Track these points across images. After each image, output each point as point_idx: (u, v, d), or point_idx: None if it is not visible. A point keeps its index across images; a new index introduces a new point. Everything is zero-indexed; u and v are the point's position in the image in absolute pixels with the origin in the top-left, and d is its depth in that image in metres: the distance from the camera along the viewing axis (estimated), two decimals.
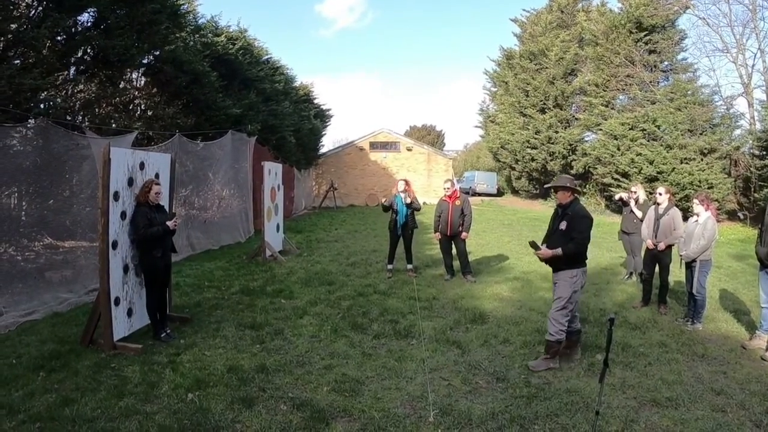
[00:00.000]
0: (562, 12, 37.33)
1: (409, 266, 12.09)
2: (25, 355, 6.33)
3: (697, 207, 8.31)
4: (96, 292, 7.03)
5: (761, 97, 26.74)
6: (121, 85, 14.47)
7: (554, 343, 6.32)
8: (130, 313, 6.98)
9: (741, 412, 5.31)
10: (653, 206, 9.48)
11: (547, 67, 35.76)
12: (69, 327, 7.42)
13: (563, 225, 6.35)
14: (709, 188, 24.09)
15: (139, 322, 7.20)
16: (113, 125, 13.67)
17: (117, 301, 6.65)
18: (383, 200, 11.99)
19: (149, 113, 16.03)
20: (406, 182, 12.21)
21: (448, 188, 11.58)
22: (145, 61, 14.53)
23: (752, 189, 23.79)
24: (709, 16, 29.28)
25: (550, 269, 6.76)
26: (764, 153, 22.72)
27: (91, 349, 6.57)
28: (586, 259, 6.47)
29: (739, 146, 25.51)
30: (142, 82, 16.01)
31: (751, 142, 25.08)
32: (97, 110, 13.60)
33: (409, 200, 11.73)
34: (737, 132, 26.96)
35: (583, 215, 6.34)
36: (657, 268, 9.32)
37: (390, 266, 11.97)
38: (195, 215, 15.18)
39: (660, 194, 9.29)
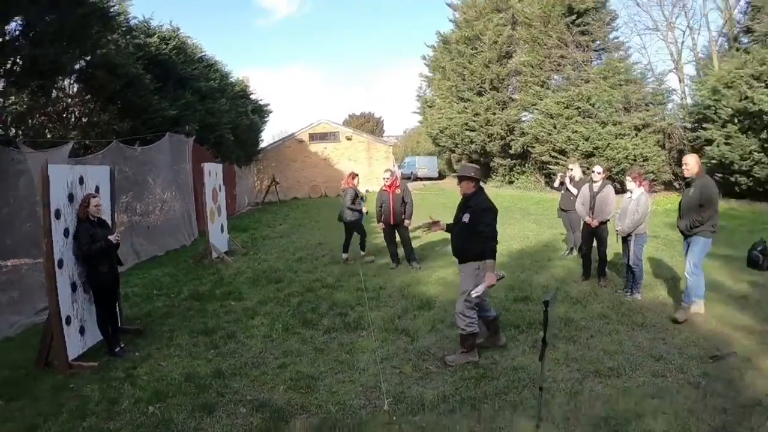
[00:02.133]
0: None
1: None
2: None
3: (629, 184, 8.70)
4: (45, 311, 6.98)
5: (691, 73, 27.80)
6: (53, 95, 14.24)
7: (468, 336, 6.29)
8: (82, 331, 6.96)
9: (680, 376, 5.64)
10: (588, 184, 9.88)
11: (482, 51, 36.17)
12: (22, 351, 7.31)
13: (466, 217, 6.25)
14: (644, 161, 25.06)
15: (92, 339, 7.18)
16: (48, 136, 13.47)
17: (68, 320, 6.62)
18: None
19: (84, 120, 15.79)
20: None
21: (387, 178, 11.79)
22: (77, 67, 14.30)
23: None
24: None
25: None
26: (696, 125, 23.68)
27: (47, 371, 6.52)
28: (495, 251, 6.27)
29: (672, 122, 26.53)
30: (75, 89, 15.74)
31: (682, 116, 26.04)
32: (30, 122, 13.40)
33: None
34: (670, 106, 28.11)
35: (486, 207, 6.23)
36: (595, 243, 9.73)
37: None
38: (138, 221, 15.00)
39: (597, 173, 9.74)
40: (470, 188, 6.36)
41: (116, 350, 7.06)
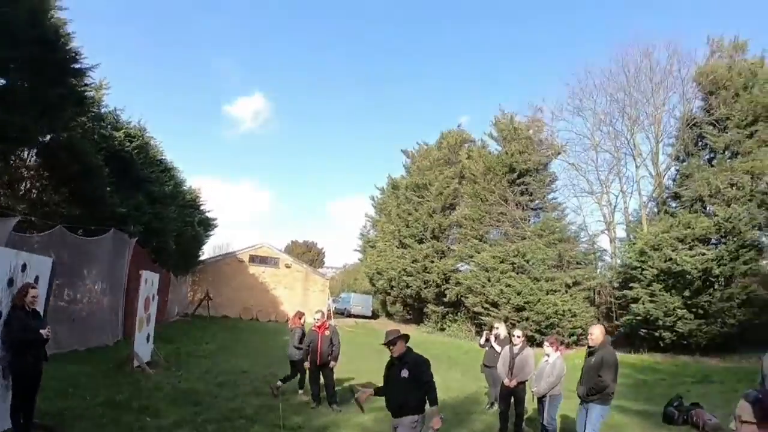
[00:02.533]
0: (449, 150, 39.51)
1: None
2: None
3: (547, 348, 9.28)
4: None
5: (621, 234, 30.00)
6: (12, 161, 14.03)
7: None
8: None
9: None
10: (509, 346, 10.27)
11: (428, 200, 37.63)
12: None
13: (405, 373, 6.44)
14: (573, 317, 26.38)
15: (1, 426, 6.81)
16: None
17: None
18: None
19: (34, 196, 15.51)
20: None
21: (318, 319, 11.96)
22: (41, 140, 14.18)
23: (614, 316, 26.20)
24: (578, 161, 32.64)
25: None
26: (623, 284, 25.09)
27: None
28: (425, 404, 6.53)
29: (601, 282, 28.64)
30: (33, 162, 15.56)
31: (611, 275, 27.58)
32: None
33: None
34: (600, 265, 29.97)
35: (423, 360, 6.56)
36: (513, 401, 9.95)
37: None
38: (64, 309, 14.50)
39: (518, 336, 10.19)
40: (403, 347, 6.61)
41: None
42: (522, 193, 31.87)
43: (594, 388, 7.63)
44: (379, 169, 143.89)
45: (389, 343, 6.60)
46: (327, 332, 11.72)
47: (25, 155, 15.11)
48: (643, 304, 22.24)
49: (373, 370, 16.00)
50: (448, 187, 37.01)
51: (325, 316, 12.13)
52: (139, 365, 12.95)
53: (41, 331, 6.75)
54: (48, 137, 14.30)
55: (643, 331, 22.43)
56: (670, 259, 21.39)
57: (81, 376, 11.39)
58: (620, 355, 20.51)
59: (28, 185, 15.74)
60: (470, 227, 33.25)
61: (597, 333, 7.94)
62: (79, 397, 9.72)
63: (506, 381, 9.88)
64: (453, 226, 37.53)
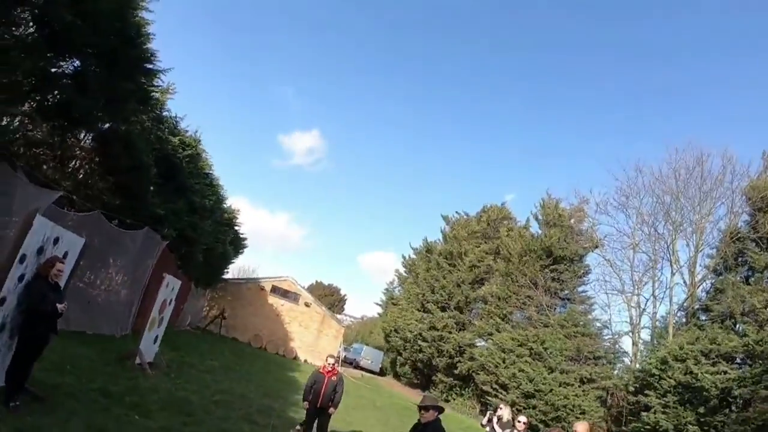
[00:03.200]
0: (488, 225, 39.41)
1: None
2: None
3: None
4: None
5: (646, 338, 29.16)
6: (68, 140, 14.40)
7: None
8: None
9: None
10: (510, 430, 10.07)
11: (459, 270, 37.31)
12: None
13: None
14: (581, 413, 25.42)
15: None
16: (46, 170, 13.48)
17: None
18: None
19: (80, 176, 15.83)
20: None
21: (330, 363, 11.98)
22: (101, 126, 14.55)
23: (623, 421, 25.23)
24: (615, 258, 32.22)
25: None
26: (638, 390, 24.22)
27: None
28: None
29: (617, 384, 27.58)
30: (88, 144, 15.93)
31: (627, 378, 26.77)
32: (35, 152, 13.46)
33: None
34: (618, 366, 29.13)
35: None
36: None
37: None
38: (81, 288, 14.67)
39: (522, 422, 9.87)
40: (433, 416, 6.86)
41: (11, 404, 6.73)
42: (553, 280, 31.65)
43: None
44: (415, 230, 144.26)
45: (424, 408, 6.88)
46: (334, 378, 11.71)
47: (82, 136, 15.47)
48: (655, 413, 21.59)
49: (367, 426, 15.87)
50: (481, 261, 36.91)
51: (337, 363, 12.13)
52: (141, 363, 12.92)
53: (58, 305, 6.86)
54: (107, 126, 14.68)
55: None
56: (691, 372, 20.79)
57: (82, 358, 11.45)
58: None
59: (78, 165, 16.07)
60: (495, 305, 33.04)
61: (582, 430, 7.84)
62: (75, 377, 9.75)
63: None
64: (478, 300, 37.26)
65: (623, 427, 25.14)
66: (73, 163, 15.86)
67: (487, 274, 37.31)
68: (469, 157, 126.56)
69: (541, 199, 35.05)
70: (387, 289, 50.21)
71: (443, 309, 38.00)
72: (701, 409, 20.35)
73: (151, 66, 13.90)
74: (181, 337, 24.02)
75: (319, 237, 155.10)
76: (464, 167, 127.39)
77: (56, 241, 7.18)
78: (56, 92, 12.01)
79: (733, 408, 20.98)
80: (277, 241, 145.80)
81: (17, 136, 12.56)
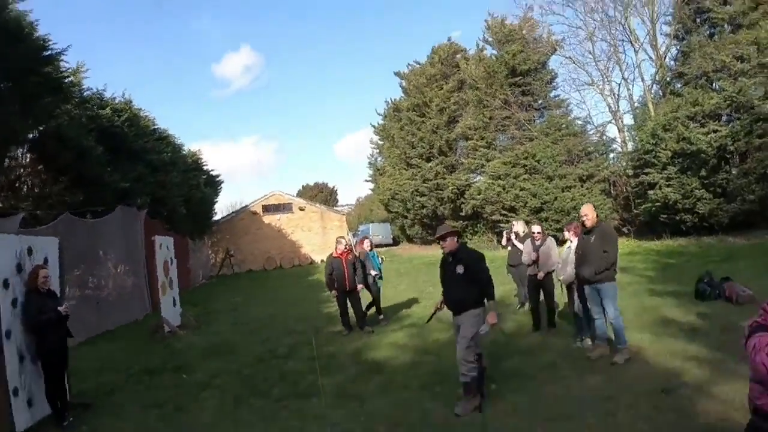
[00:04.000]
0: (443, 64, 38.77)
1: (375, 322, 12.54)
2: None
3: (568, 235, 9.16)
4: None
5: (630, 122, 29.22)
6: (6, 164, 14.18)
7: (471, 382, 6.45)
8: (30, 403, 6.84)
9: (630, 412, 5.71)
10: (530, 239, 10.26)
11: (430, 118, 37.10)
12: None
13: (460, 269, 6.57)
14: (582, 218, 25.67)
15: (40, 412, 7.04)
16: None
17: (15, 392, 6.52)
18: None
19: (36, 191, 15.68)
20: (369, 239, 13.41)
21: (343, 244, 12.08)
22: (30, 137, 14.28)
23: (632, 206, 25.86)
24: (575, 54, 31.88)
25: (443, 314, 7.15)
26: (638, 171, 24.39)
27: None
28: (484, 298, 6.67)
29: (615, 170, 27.95)
30: (28, 159, 15.70)
31: (624, 163, 27.18)
32: None
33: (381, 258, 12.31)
34: (611, 156, 29.53)
35: (478, 257, 6.77)
36: (543, 296, 10.05)
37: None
38: (89, 295, 14.80)
39: (537, 232, 10.10)
40: (455, 244, 6.74)
41: (65, 423, 6.95)
42: (524, 94, 31.16)
43: (603, 265, 7.57)
44: (378, 99, 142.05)
45: (440, 238, 6.79)
46: (350, 257, 11.88)
47: (18, 154, 15.23)
48: (661, 189, 21.92)
49: (398, 292, 16.33)
50: (448, 100, 36.51)
51: (348, 244, 12.37)
52: (170, 330, 13.22)
53: (59, 308, 6.90)
54: (36, 132, 14.40)
55: (664, 216, 22.17)
56: (684, 138, 20.90)
57: (114, 352, 11.73)
58: (643, 243, 20.77)
59: (29, 183, 15.89)
60: (477, 137, 32.71)
61: (590, 212, 7.95)
62: (114, 372, 10.02)
63: (530, 269, 10.00)
64: (459, 139, 36.86)
65: (634, 210, 25.48)
66: (23, 183, 15.66)
67: (456, 112, 36.91)
68: (404, 9, 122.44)
69: (485, 21, 34.18)
70: (370, 163, 50.22)
71: (428, 159, 37.86)
72: (703, 172, 20.57)
73: (48, 53, 13.46)
74: (199, 292, 24.47)
75: (290, 146, 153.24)
76: (403, 21, 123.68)
77: (30, 251, 7.15)
78: None
79: (732, 164, 21.28)
80: (254, 167, 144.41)
81: None
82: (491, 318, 6.45)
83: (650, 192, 22.64)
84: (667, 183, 21.84)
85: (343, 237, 12.49)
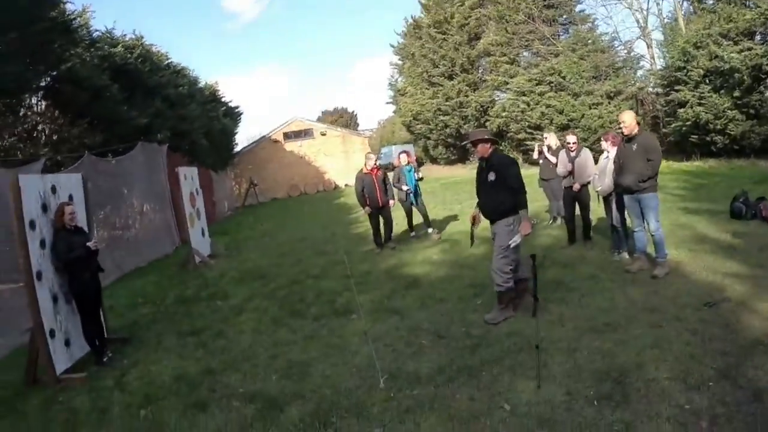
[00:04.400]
0: None
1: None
2: None
3: (605, 145, 8.78)
4: (31, 331, 6.85)
5: (659, 37, 27.83)
6: (21, 113, 14.07)
7: (505, 292, 6.44)
8: (68, 343, 6.82)
9: (676, 324, 5.60)
10: (565, 150, 9.89)
11: (451, 34, 36.03)
12: (9, 372, 7.12)
13: (492, 176, 6.40)
14: (617, 130, 24.79)
15: (79, 351, 7.04)
16: (18, 156, 13.28)
17: (52, 333, 6.49)
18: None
19: (55, 137, 15.58)
20: (407, 153, 12.94)
21: (372, 160, 11.94)
22: (42, 84, 14.11)
23: (661, 124, 24.76)
24: None
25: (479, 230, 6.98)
26: (668, 89, 23.37)
27: (35, 388, 6.38)
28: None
29: (643, 86, 26.66)
30: (43, 106, 15.57)
31: (653, 80, 26.07)
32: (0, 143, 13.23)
33: (419, 174, 12.16)
34: (640, 73, 28.21)
35: (510, 162, 6.50)
36: (578, 209, 9.76)
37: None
38: (118, 235, 14.84)
39: (572, 142, 9.73)
40: (487, 150, 6.50)
41: (104, 359, 6.94)
42: (548, 7, 30.10)
43: (646, 174, 7.27)
44: (397, 18, 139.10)
45: (474, 142, 6.57)
46: (380, 173, 11.82)
47: (33, 102, 15.08)
48: (692, 107, 20.81)
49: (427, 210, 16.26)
50: (469, 16, 35.39)
51: (378, 159, 12.25)
52: (201, 260, 13.27)
53: (88, 244, 6.78)
54: (48, 79, 14.21)
55: (694, 137, 21.13)
56: (717, 56, 19.69)
57: (148, 286, 11.77)
58: (673, 164, 20.22)
59: (46, 130, 15.78)
60: (499, 53, 31.80)
61: (629, 119, 7.53)
62: (149, 305, 10.05)
63: (565, 180, 9.74)
64: (482, 56, 35.92)
65: (663, 130, 24.40)
66: (41, 130, 15.56)
67: (479, 28, 35.77)
68: None
69: None
70: (391, 84, 49.27)
71: (450, 77, 36.93)
72: (736, 93, 19.27)
73: None
74: (227, 223, 24.63)
75: (306, 74, 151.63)
76: None
77: (54, 189, 7.01)
78: None
79: (766, 85, 19.76)
80: (272, 98, 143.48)
81: None
82: (524, 228, 6.27)
83: (680, 111, 21.67)
84: (698, 102, 20.80)
85: (371, 153, 12.31)
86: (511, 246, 6.33)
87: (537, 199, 14.81)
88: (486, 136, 6.56)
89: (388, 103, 54.55)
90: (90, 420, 5.39)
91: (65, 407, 5.80)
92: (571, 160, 9.57)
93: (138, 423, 5.18)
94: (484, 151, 6.49)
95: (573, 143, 9.70)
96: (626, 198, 7.76)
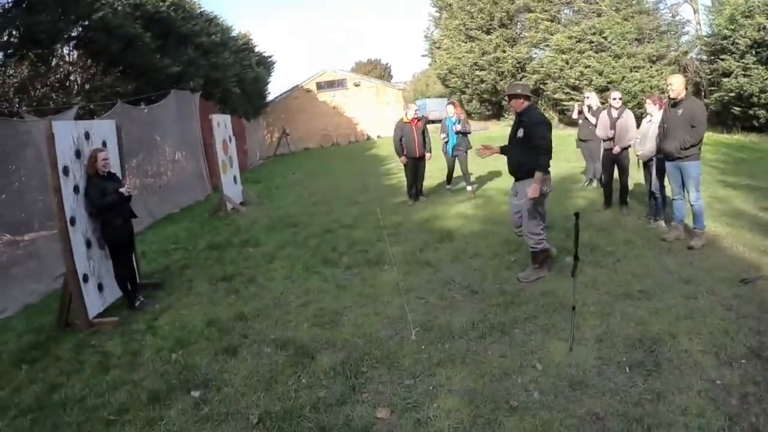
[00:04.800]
0: None
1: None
2: (5, 352, 6.17)
3: (650, 107, 8.37)
4: (64, 276, 6.89)
5: (706, 2, 26.68)
6: (53, 63, 14.10)
7: (539, 252, 6.37)
8: (100, 287, 6.88)
9: (711, 298, 5.46)
10: (606, 110, 9.57)
11: None
12: (43, 316, 7.23)
13: (520, 133, 6.22)
14: (660, 93, 24.04)
15: (111, 296, 7.10)
16: (51, 105, 13.31)
17: (85, 278, 6.54)
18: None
19: (87, 86, 15.62)
20: (454, 104, 12.72)
21: (414, 110, 11.81)
22: (74, 34, 14.09)
23: (703, 93, 23.67)
24: None
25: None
26: (712, 57, 22.45)
27: (68, 332, 6.45)
28: (548, 166, 6.29)
29: (687, 51, 25.61)
30: (75, 56, 15.58)
31: (698, 47, 25.07)
32: (32, 92, 13.27)
33: (459, 126, 12.02)
34: (684, 38, 27.02)
35: (540, 121, 6.19)
36: (616, 173, 9.50)
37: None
38: (150, 183, 14.93)
39: (617, 98, 9.44)
40: (521, 105, 6.30)
41: (136, 304, 6.99)
42: None
43: (689, 141, 6.99)
44: None
45: (513, 96, 6.33)
46: (420, 125, 11.66)
47: (65, 52, 15.08)
48: (736, 78, 19.83)
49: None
50: None
51: (417, 110, 12.10)
52: (233, 207, 13.32)
53: (120, 189, 6.77)
54: (80, 28, 14.16)
55: (736, 109, 20.22)
56: (764, 28, 18.71)
57: (180, 232, 11.80)
58: (713, 135, 19.57)
59: (79, 80, 15.80)
60: (540, 9, 30.96)
61: (677, 82, 7.15)
62: (181, 250, 10.08)
63: (606, 143, 9.41)
64: (521, 11, 34.99)
65: (705, 99, 23.20)
66: (73, 78, 15.57)
67: None
68: None
69: None
70: (426, 36, 48.49)
71: (488, 32, 36.03)
72: None
73: None
74: (258, 171, 24.64)
75: (339, 22, 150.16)
76: None
77: (87, 136, 6.97)
78: (12, 28, 11.51)
79: None
80: (303, 48, 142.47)
81: None
82: (531, 191, 6.03)
83: (724, 80, 20.73)
84: (744, 73, 19.83)
85: (413, 103, 12.16)
86: (514, 203, 6.37)
87: (573, 160, 14.60)
88: (520, 91, 6.30)
89: (423, 56, 53.77)
90: (122, 363, 5.43)
91: (97, 350, 5.85)
92: (613, 123, 9.26)
93: (169, 366, 5.20)
94: (518, 105, 6.31)
95: (617, 99, 9.41)
96: (668, 164, 7.52)
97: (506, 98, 6.53)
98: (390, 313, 5.82)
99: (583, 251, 7.02)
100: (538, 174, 6.05)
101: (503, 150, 6.66)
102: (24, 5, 11.22)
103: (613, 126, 9.25)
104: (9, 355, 6.04)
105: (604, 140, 9.56)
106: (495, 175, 14.06)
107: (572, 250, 4.86)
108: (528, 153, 6.14)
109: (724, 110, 21.49)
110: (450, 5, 39.29)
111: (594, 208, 9.84)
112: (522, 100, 6.28)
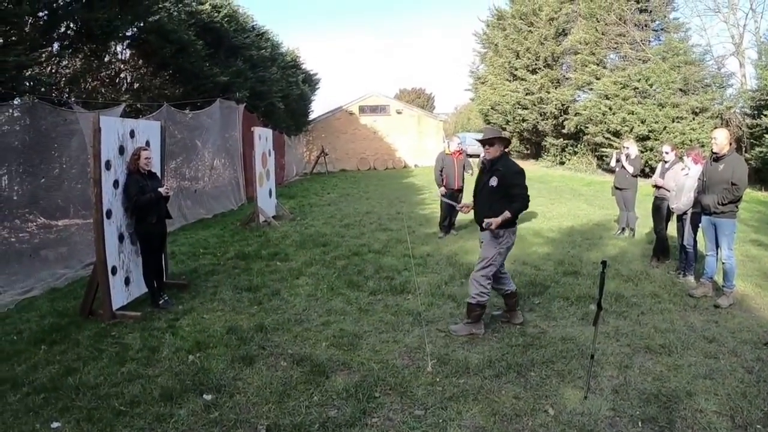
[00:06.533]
0: None
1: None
2: (26, 330, 6.31)
3: (688, 161, 8.35)
4: (92, 265, 6.97)
5: (753, 57, 26.41)
6: (106, 59, 14.37)
7: (476, 306, 6.02)
8: (127, 281, 7.00)
9: (733, 359, 5.37)
10: (660, 163, 9.54)
11: (538, 27, 35.13)
12: (67, 300, 7.41)
13: (494, 181, 5.95)
14: (701, 147, 23.81)
15: (137, 291, 7.23)
16: (100, 99, 13.56)
17: (114, 270, 6.66)
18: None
19: (136, 85, 15.91)
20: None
21: (457, 143, 11.94)
22: (129, 33, 14.38)
23: (744, 149, 23.34)
24: None
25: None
26: (756, 112, 22.25)
27: (90, 319, 6.57)
28: (517, 218, 6.07)
29: (731, 106, 25.22)
30: (128, 55, 15.87)
31: (743, 101, 24.80)
32: (83, 85, 13.53)
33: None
34: (729, 91, 26.69)
35: (517, 170, 6.01)
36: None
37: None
38: (186, 186, 15.12)
39: (666, 152, 9.40)
40: (498, 152, 6.08)
41: (160, 302, 7.08)
42: (641, 12, 28.93)
43: (728, 198, 6.92)
44: (481, 5, 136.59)
45: (485, 142, 6.07)
46: (462, 157, 11.73)
47: (118, 50, 15.38)
48: None
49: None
50: (559, 11, 34.37)
51: (461, 143, 12.19)
52: (265, 219, 13.43)
53: (159, 189, 6.91)
54: (135, 29, 14.46)
55: None
56: None
57: (210, 238, 11.95)
58: (750, 192, 19.27)
59: (128, 78, 16.11)
60: (586, 52, 30.91)
61: (722, 137, 7.12)
62: (210, 255, 10.21)
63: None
64: (567, 53, 34.90)
65: (746, 154, 22.74)
66: (123, 77, 15.87)
67: (568, 24, 34.71)
68: None
69: None
70: (471, 72, 48.64)
71: (533, 72, 36.00)
72: None
73: None
74: (294, 187, 24.77)
75: (387, 49, 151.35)
76: None
77: (132, 134, 7.14)
78: (70, 22, 11.78)
79: None
80: (349, 66, 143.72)
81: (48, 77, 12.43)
82: (495, 221, 5.75)
83: (767, 137, 20.58)
84: None
85: (456, 136, 12.22)
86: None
87: (607, 207, 14.48)
88: (500, 135, 6.13)
89: (466, 90, 53.82)
90: (139, 357, 5.50)
91: (117, 341, 5.94)
92: (663, 173, 9.23)
93: (185, 367, 5.25)
94: (495, 152, 6.06)
95: (667, 153, 9.39)
96: (703, 219, 7.45)
97: (481, 143, 6.15)
98: (409, 342, 5.82)
99: (608, 300, 7.02)
100: (506, 213, 5.78)
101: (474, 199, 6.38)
102: (84, 0, 11.46)
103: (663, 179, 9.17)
104: (30, 334, 6.18)
105: (659, 189, 9.36)
106: (531, 215, 13.99)
107: (596, 296, 4.82)
108: (501, 202, 5.88)
109: (764, 167, 21.20)
110: (496, 44, 39.45)
111: (625, 257, 9.73)
112: (501, 147, 6.11)
